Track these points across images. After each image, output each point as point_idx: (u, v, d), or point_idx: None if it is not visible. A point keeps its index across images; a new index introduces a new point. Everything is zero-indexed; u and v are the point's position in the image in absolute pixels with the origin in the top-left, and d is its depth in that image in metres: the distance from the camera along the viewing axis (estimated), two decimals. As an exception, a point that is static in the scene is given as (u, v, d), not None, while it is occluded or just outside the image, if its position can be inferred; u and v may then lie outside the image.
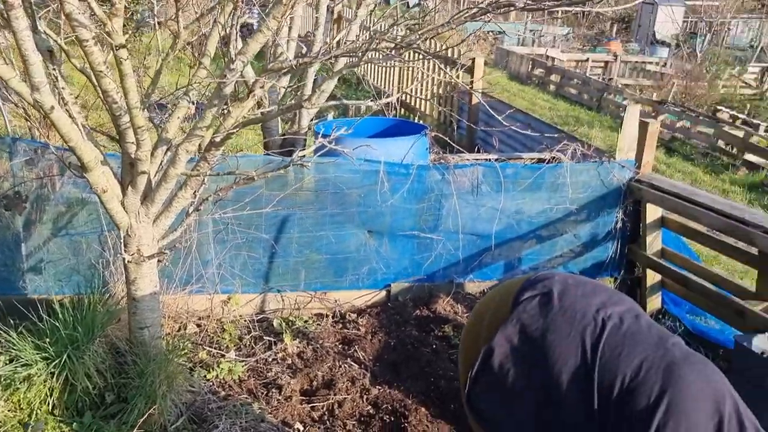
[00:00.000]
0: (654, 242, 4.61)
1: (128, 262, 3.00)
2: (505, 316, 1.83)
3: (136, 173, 2.81)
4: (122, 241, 2.98)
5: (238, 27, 2.52)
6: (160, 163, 2.97)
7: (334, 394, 3.41)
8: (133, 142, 2.73)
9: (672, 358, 1.66)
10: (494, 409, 1.82)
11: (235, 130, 2.68)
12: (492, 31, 21.09)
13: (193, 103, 3.08)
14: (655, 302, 4.72)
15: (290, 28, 4.47)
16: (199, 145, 2.90)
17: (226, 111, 2.69)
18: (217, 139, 2.74)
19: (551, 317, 1.77)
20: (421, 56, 5.06)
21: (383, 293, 4.42)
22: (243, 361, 3.66)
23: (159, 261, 3.15)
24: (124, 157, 2.86)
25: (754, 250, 3.94)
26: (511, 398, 1.77)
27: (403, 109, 9.73)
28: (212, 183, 3.63)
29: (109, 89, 2.56)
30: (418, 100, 9.31)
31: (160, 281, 3.67)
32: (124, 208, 2.88)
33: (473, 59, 7.41)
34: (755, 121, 12.36)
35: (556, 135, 5.15)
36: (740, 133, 10.48)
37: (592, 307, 1.77)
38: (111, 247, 3.75)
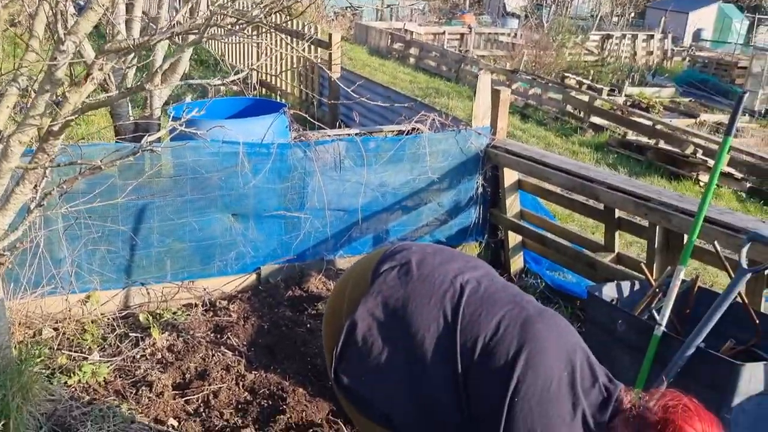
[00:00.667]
0: (513, 205, 4.83)
1: (-37, 269, 2.73)
2: (366, 290, 1.85)
3: (-38, 170, 2.55)
4: (-46, 245, 2.71)
5: (68, 5, 2.33)
6: (-8, 158, 2.71)
7: (209, 385, 3.31)
8: (-45, 136, 2.47)
9: (527, 316, 1.75)
10: (362, 384, 1.83)
11: (74, 117, 2.49)
12: (350, 7, 21.12)
13: (24, 90, 2.83)
14: (518, 262, 4.96)
15: (133, 5, 4.22)
16: (37, 135, 2.68)
17: (63, 97, 2.49)
18: (55, 128, 2.53)
19: (411, 286, 1.80)
20: (266, 31, 4.95)
21: (253, 277, 4.33)
22: (108, 361, 3.47)
23: (0, 264, 2.89)
24: (-53, 153, 2.58)
25: (600, 206, 4.23)
26: (378, 371, 1.79)
27: (264, 89, 9.53)
28: (57, 175, 3.38)
29: None
30: (278, 79, 9.15)
31: (6, 285, 3.39)
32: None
33: (330, 35, 7.36)
34: (598, 85, 13.27)
35: (414, 107, 5.24)
36: (585, 98, 11.19)
37: (450, 274, 1.83)
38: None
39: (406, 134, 4.53)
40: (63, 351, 3.47)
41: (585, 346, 1.77)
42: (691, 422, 1.53)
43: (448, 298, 1.77)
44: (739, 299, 3.13)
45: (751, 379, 2.68)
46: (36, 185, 2.72)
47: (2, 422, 2.74)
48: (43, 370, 3.18)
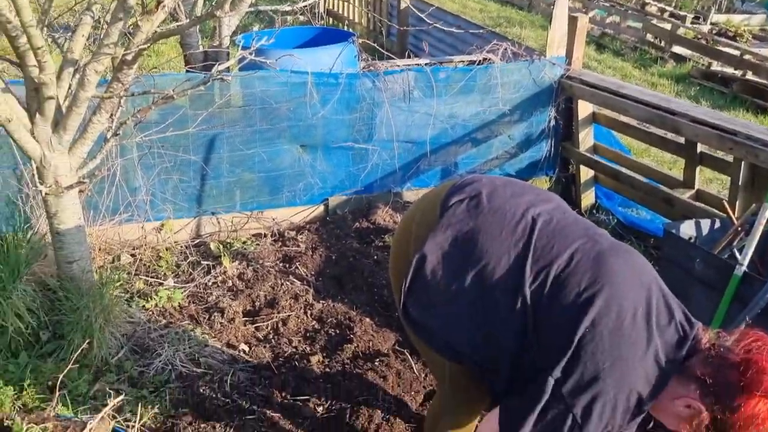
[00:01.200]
0: (586, 138, 4.65)
1: (46, 194, 2.84)
2: (435, 223, 1.81)
3: (42, 99, 2.61)
4: (36, 172, 2.81)
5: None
6: (69, 87, 2.76)
7: (278, 313, 3.39)
8: (35, 65, 2.51)
9: (600, 249, 1.68)
10: (431, 317, 1.82)
11: (146, 46, 2.50)
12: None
13: (98, 21, 2.85)
14: (589, 198, 4.82)
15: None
16: (111, 64, 2.71)
17: (135, 26, 2.50)
18: (129, 57, 2.55)
19: (481, 219, 1.76)
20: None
21: (321, 208, 4.36)
22: (182, 287, 3.59)
23: (80, 191, 2.99)
24: (27, 82, 2.64)
25: (681, 140, 4.02)
26: (446, 304, 1.77)
27: (331, 19, 9.38)
28: (131, 105, 3.44)
29: (0, 6, 2.33)
30: (346, 7, 8.98)
31: (86, 212, 3.52)
32: (34, 137, 2.69)
33: (399, -39, 7.12)
34: (682, 12, 12.45)
35: (485, 36, 5.05)
36: (668, 26, 10.55)
37: (522, 206, 1.77)
38: (29, 181, 3.55)
39: (477, 64, 4.38)
40: (140, 276, 3.61)
41: (661, 283, 1.69)
42: None
43: (520, 230, 1.72)
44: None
45: (838, 323, 2.55)
46: (111, 114, 2.77)
47: (87, 341, 2.89)
48: (122, 294, 3.32)
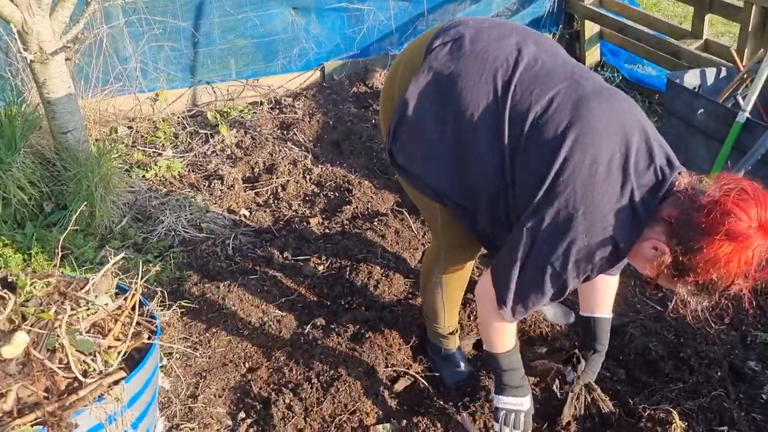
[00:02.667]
0: (592, -9, 4.44)
1: (32, 62, 2.78)
2: (418, 67, 1.76)
3: (13, -41, 2.49)
4: (19, 39, 2.73)
5: None
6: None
7: (277, 178, 3.40)
8: None
9: (583, 93, 1.62)
10: (415, 162, 1.81)
11: None
12: None
13: None
14: (594, 55, 4.67)
15: None
16: None
17: None
18: None
19: (463, 62, 1.70)
20: None
21: (317, 73, 4.26)
22: (181, 157, 3.59)
23: (67, 59, 2.92)
24: (-5, -59, 2.51)
25: (690, -13, 3.83)
26: (427, 148, 1.76)
27: None
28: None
29: None
30: None
31: (77, 83, 3.46)
32: (12, 0, 2.60)
33: None
34: None
35: None
36: None
37: (506, 49, 1.70)
38: (15, 52, 3.46)
39: None
40: (138, 148, 3.60)
41: (648, 127, 1.63)
42: (745, 206, 1.40)
43: (500, 74, 1.66)
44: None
45: (838, 167, 2.52)
46: (89, -25, 2.65)
47: (89, 210, 2.93)
48: (121, 165, 3.33)
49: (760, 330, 2.55)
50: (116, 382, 1.73)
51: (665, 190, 1.55)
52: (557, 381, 2.22)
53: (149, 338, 1.88)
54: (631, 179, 1.55)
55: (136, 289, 1.97)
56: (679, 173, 1.59)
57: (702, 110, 2.95)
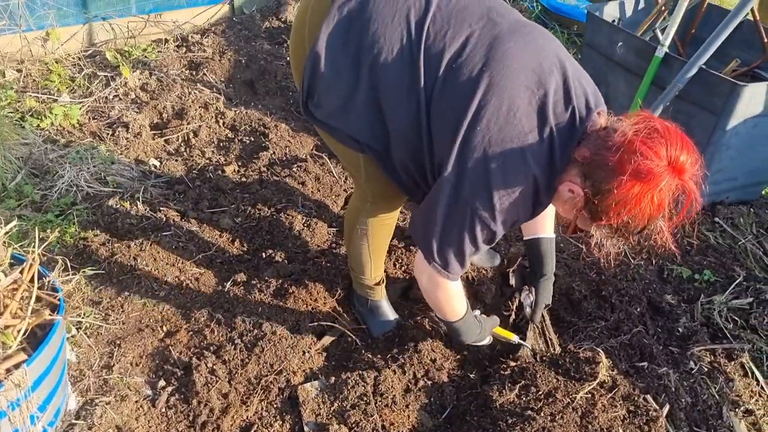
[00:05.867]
0: None
1: None
2: (326, 10, 1.61)
3: None
4: None
5: None
6: None
7: (188, 124, 3.19)
8: None
9: (498, 33, 1.53)
10: (333, 115, 1.69)
11: None
12: None
13: None
14: (512, -17, 4.57)
15: None
16: None
17: None
18: None
19: (373, 3, 1.57)
20: None
21: (226, 7, 3.99)
22: (79, 102, 3.30)
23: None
24: None
25: None
26: (346, 99, 1.64)
27: None
28: None
29: None
30: None
31: (-48, 23, 3.10)
32: None
33: None
34: None
35: None
36: None
37: None
38: None
39: None
40: (30, 94, 3.29)
41: (568, 64, 1.56)
42: (655, 146, 1.36)
43: (413, 14, 1.55)
44: (750, 17, 2.89)
45: (750, 100, 2.56)
46: None
47: (-24, 167, 2.67)
48: (11, 114, 3.04)
49: (676, 264, 2.62)
50: (17, 366, 1.59)
51: (582, 131, 1.51)
52: (513, 307, 2.23)
53: (51, 314, 1.73)
54: (549, 121, 1.50)
55: (33, 259, 1.80)
56: (598, 113, 1.55)
57: (621, 44, 2.93)
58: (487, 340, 2.10)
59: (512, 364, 2.10)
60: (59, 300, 1.79)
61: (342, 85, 1.62)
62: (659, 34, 2.99)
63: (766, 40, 2.87)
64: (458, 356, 2.19)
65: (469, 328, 1.96)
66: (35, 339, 1.71)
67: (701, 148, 1.48)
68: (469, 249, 1.64)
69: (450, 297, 1.83)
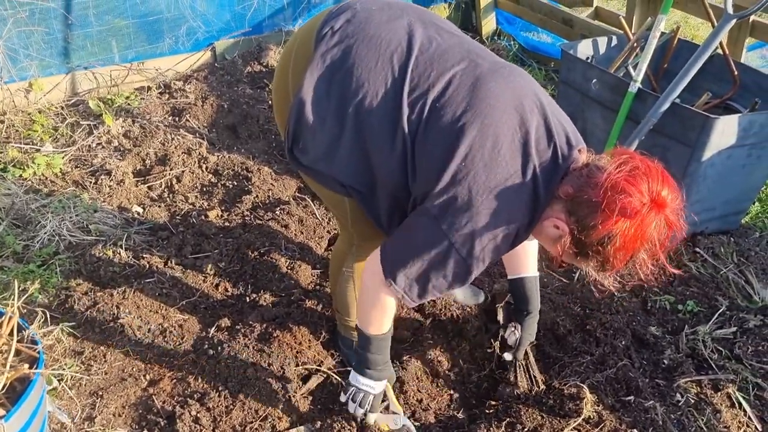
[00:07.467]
0: (485, -41, 4.41)
1: None
2: (310, 57, 1.65)
3: None
4: None
5: None
6: None
7: (171, 169, 3.21)
8: None
9: (480, 74, 1.57)
10: (318, 161, 1.71)
11: None
12: None
13: None
14: (490, 24, 4.67)
15: None
16: None
17: None
18: None
19: (356, 50, 1.61)
20: None
21: (208, 54, 4.04)
22: (62, 152, 3.32)
23: None
24: None
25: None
26: (331, 144, 1.66)
27: None
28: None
29: None
30: None
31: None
32: None
33: None
34: None
35: None
36: None
37: (398, 32, 1.62)
38: None
39: None
40: (12, 144, 3.30)
41: (546, 102, 1.61)
42: (637, 183, 1.41)
43: (396, 59, 1.59)
44: (720, 51, 2.96)
45: (723, 132, 2.61)
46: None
47: (-43, 219, 2.66)
48: (-6, 165, 3.05)
49: (659, 295, 2.63)
50: (-5, 422, 1.57)
51: (564, 168, 1.55)
52: (497, 346, 2.22)
53: (31, 367, 1.71)
54: (533, 158, 1.54)
55: (13, 312, 1.79)
56: (579, 150, 1.59)
57: (595, 80, 2.99)
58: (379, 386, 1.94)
59: (494, 403, 2.09)
60: (39, 353, 1.77)
61: (327, 131, 1.65)
62: (631, 70, 3.05)
63: (736, 73, 2.94)
64: (445, 396, 2.17)
65: (380, 349, 1.86)
66: (14, 393, 1.68)
67: (678, 180, 1.52)
68: (440, 283, 1.63)
69: (385, 311, 1.78)
